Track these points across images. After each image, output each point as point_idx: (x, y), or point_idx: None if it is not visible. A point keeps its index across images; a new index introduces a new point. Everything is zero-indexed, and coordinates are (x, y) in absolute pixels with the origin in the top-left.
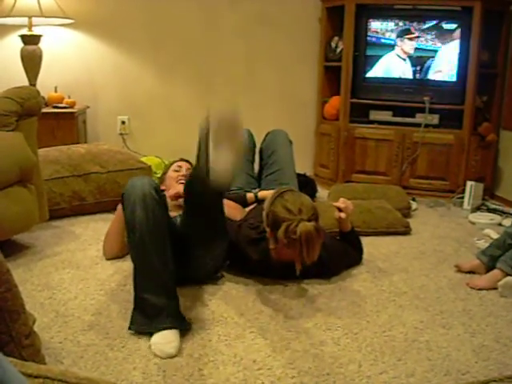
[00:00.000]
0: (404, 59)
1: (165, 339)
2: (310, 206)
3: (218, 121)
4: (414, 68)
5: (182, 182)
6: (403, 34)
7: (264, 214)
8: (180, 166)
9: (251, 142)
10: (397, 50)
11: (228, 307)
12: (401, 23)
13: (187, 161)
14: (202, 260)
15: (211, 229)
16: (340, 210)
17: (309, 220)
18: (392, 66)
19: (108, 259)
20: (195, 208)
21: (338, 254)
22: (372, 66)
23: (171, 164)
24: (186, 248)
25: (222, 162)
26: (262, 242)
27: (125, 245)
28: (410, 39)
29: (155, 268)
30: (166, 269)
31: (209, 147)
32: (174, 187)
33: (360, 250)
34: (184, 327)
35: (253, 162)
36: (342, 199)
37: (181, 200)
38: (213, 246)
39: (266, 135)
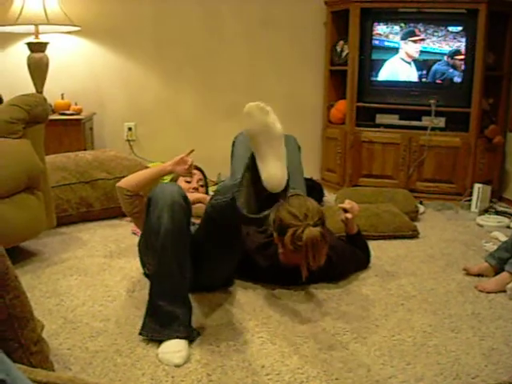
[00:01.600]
0: (409, 62)
1: (174, 348)
2: (315, 210)
3: (254, 135)
4: (419, 71)
5: (192, 191)
6: (407, 36)
7: (270, 219)
8: (191, 177)
9: None
10: (401, 53)
11: (236, 312)
12: (405, 26)
13: (199, 169)
14: (214, 271)
15: (227, 246)
16: (346, 211)
17: (315, 225)
18: (397, 69)
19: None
20: (214, 228)
21: (347, 255)
22: (378, 69)
23: None
24: (198, 257)
25: (272, 172)
26: (270, 246)
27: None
28: (415, 42)
29: (174, 276)
30: (185, 278)
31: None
32: None
33: (367, 253)
34: (194, 337)
35: None
36: (347, 200)
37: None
38: (226, 260)
39: None
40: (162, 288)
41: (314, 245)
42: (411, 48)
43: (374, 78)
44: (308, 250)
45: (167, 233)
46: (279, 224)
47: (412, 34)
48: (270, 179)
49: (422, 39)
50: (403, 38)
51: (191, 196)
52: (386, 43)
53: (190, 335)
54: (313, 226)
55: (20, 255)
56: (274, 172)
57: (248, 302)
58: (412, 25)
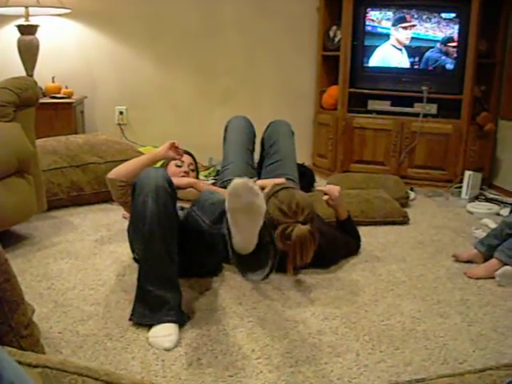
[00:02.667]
0: (400, 49)
1: (164, 332)
2: (305, 204)
3: (235, 211)
4: (411, 58)
5: (184, 175)
6: (398, 23)
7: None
8: (182, 161)
9: (251, 132)
10: (392, 39)
11: (226, 297)
12: (398, 12)
13: (189, 153)
14: (202, 258)
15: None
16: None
17: (304, 222)
18: (389, 55)
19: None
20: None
21: (337, 242)
22: (370, 55)
23: None
24: (186, 245)
25: (242, 241)
26: None
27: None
28: (405, 28)
29: (162, 260)
30: (173, 262)
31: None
32: (175, 181)
33: (357, 238)
34: (184, 321)
35: (252, 151)
36: (329, 185)
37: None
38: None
39: (269, 125)
40: (151, 273)
41: (303, 243)
42: (401, 35)
43: (366, 64)
44: (296, 249)
45: (153, 217)
46: (268, 220)
47: (403, 20)
48: (238, 245)
49: (413, 25)
50: (394, 25)
51: (182, 180)
52: (379, 29)
53: (180, 319)
54: (302, 223)
55: (11, 239)
56: (243, 241)
57: (238, 287)
58: (405, 11)
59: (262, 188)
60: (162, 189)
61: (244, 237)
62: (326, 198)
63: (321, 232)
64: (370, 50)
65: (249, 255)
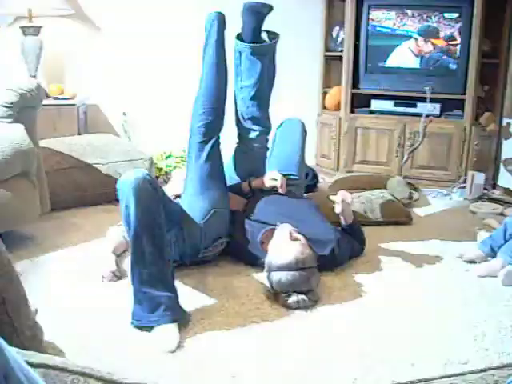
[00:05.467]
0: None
1: (163, 334)
2: (302, 280)
3: None
4: (414, 58)
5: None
6: (425, 34)
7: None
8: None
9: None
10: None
11: (229, 297)
12: (402, 12)
13: None
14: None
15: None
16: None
17: (303, 293)
18: (393, 55)
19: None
20: None
21: (342, 250)
22: (373, 55)
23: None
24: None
25: None
26: (255, 242)
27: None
28: (411, 29)
29: (152, 261)
30: (163, 261)
31: None
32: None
33: (362, 242)
34: (183, 319)
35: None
36: (340, 192)
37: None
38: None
39: (283, 122)
40: (142, 275)
41: (301, 306)
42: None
43: (369, 65)
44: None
45: (136, 220)
46: (269, 282)
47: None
48: None
49: (418, 26)
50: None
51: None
52: (384, 30)
53: (179, 318)
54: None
55: (14, 240)
56: None
57: (241, 287)
58: (408, 10)
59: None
60: (142, 190)
61: None
62: (339, 210)
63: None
64: (373, 50)
65: None
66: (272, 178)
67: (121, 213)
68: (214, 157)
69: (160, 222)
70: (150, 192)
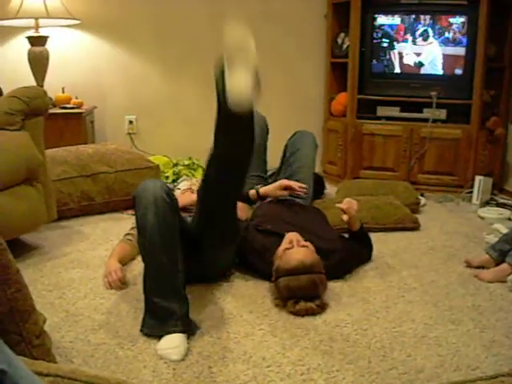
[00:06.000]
0: (410, 54)
1: (171, 344)
2: (310, 284)
3: (227, 43)
4: (420, 63)
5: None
6: (410, 29)
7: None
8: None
9: (264, 130)
10: (401, 45)
11: (237, 305)
12: (407, 18)
13: None
14: (213, 258)
15: (223, 227)
16: (344, 211)
17: (310, 299)
18: (399, 61)
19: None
20: (209, 206)
21: (349, 258)
22: (379, 61)
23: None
24: (197, 246)
25: (238, 84)
26: (267, 251)
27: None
28: (417, 35)
29: (165, 271)
30: (176, 272)
31: (225, 75)
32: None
33: (370, 248)
34: (192, 331)
35: (265, 147)
36: (346, 200)
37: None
38: (223, 244)
39: (295, 133)
40: (155, 284)
41: (309, 312)
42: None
43: (374, 70)
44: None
45: (153, 229)
46: (277, 289)
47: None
48: (233, 87)
49: (424, 31)
50: (405, 32)
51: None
52: (389, 36)
53: (188, 329)
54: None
55: (22, 249)
56: (238, 80)
57: (249, 295)
58: (413, 16)
59: (266, 195)
60: (160, 200)
61: (239, 77)
62: (345, 218)
63: (335, 250)
64: (378, 56)
65: None
66: (282, 187)
67: (136, 221)
68: None
69: (175, 232)
70: (168, 203)
